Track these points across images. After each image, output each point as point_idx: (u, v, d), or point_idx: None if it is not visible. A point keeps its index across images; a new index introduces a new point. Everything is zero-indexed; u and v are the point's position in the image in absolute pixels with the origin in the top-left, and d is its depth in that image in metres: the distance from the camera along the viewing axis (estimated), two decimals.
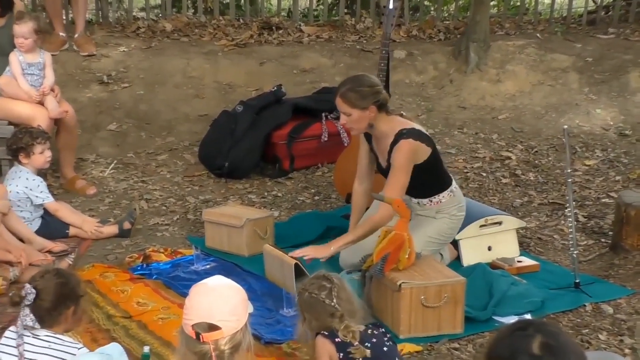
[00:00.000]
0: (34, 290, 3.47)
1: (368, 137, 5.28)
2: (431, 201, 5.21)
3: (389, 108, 5.13)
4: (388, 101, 5.13)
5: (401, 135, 5.00)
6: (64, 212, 5.90)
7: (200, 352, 2.83)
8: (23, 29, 6.30)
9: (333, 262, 5.12)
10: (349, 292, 3.76)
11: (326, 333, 3.64)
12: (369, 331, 3.65)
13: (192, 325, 2.83)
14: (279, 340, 4.41)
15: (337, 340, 3.60)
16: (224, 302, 2.87)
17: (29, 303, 3.47)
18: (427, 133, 5.22)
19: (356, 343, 3.58)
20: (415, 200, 5.21)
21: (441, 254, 5.34)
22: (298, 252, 4.99)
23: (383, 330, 3.73)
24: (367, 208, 5.41)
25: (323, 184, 6.82)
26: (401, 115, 5.43)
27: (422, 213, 5.21)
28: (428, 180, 5.14)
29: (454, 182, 5.32)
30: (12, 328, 3.58)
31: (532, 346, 2.29)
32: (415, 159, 5.01)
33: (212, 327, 2.82)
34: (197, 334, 2.82)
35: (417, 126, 5.18)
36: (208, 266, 5.40)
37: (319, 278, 3.77)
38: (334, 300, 3.66)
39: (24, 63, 6.37)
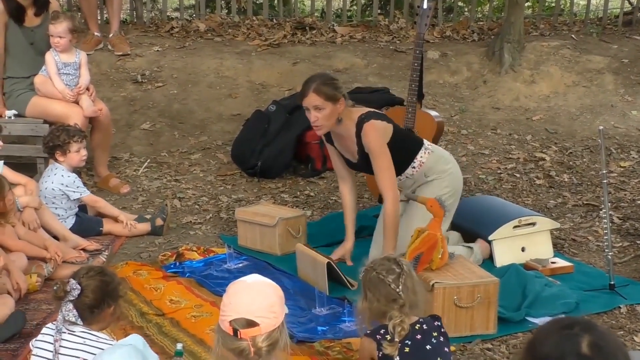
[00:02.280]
0: (79, 287, 3.48)
1: (329, 140, 5.33)
2: (414, 167, 5.26)
3: (348, 102, 5.16)
4: (347, 98, 5.17)
5: (362, 121, 5.07)
6: (102, 203, 5.96)
7: (238, 349, 2.81)
8: (58, 29, 6.34)
9: (358, 260, 5.12)
10: (416, 282, 3.70)
11: (368, 332, 3.61)
12: (417, 326, 3.58)
13: (230, 322, 2.82)
14: (312, 338, 4.40)
15: (378, 337, 3.55)
16: (262, 299, 2.86)
17: (72, 299, 3.49)
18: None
19: (395, 338, 3.50)
20: (402, 177, 5.29)
21: (471, 248, 5.35)
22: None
23: (438, 323, 3.66)
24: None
25: (356, 183, 6.79)
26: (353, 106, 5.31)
27: (415, 185, 5.30)
28: (401, 151, 5.19)
29: (425, 142, 5.36)
30: (50, 325, 3.60)
31: (581, 346, 2.24)
32: (385, 137, 5.08)
33: (250, 323, 2.81)
34: (235, 331, 2.80)
35: (370, 109, 5.23)
36: (240, 265, 5.41)
37: (390, 261, 3.70)
38: (400, 287, 3.58)
39: (60, 63, 6.41)
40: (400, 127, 5.37)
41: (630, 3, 10.54)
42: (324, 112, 5.04)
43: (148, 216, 6.01)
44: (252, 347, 2.79)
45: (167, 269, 5.32)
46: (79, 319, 3.50)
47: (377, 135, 5.04)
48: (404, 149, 5.22)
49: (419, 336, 3.56)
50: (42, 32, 6.55)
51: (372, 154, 5.05)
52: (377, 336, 3.55)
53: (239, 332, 2.79)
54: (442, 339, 3.62)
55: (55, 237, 5.55)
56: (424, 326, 3.60)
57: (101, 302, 3.54)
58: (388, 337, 3.53)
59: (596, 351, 2.24)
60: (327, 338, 4.41)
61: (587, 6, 10.18)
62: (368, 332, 3.62)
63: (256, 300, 2.85)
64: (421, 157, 5.26)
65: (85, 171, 6.78)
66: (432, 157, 5.27)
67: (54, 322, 3.57)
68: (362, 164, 5.21)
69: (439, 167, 5.27)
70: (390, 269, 3.64)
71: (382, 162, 5.05)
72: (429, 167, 5.26)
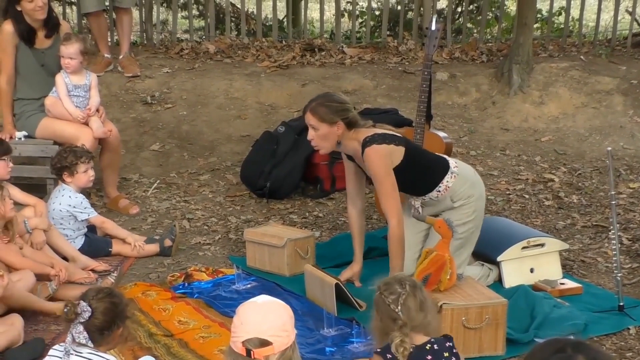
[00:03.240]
0: (90, 309, 3.48)
1: (349, 157, 5.29)
2: (439, 191, 5.17)
3: (359, 124, 5.11)
4: (358, 120, 5.11)
5: (364, 145, 5.00)
6: (110, 224, 5.97)
7: None
8: (69, 50, 6.38)
9: (367, 281, 5.13)
10: (423, 302, 3.62)
11: (379, 350, 3.57)
12: (428, 346, 3.54)
13: (243, 342, 2.82)
14: (320, 359, 4.40)
15: (388, 356, 3.52)
16: (273, 318, 2.86)
17: (83, 320, 3.49)
18: (396, 133, 5.15)
19: (400, 359, 3.47)
20: (426, 198, 5.21)
21: (490, 268, 5.35)
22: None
23: (450, 344, 3.60)
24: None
25: (365, 206, 6.79)
26: (373, 126, 5.21)
27: (441, 207, 5.21)
28: (421, 174, 5.14)
29: (451, 162, 5.25)
30: (57, 346, 3.60)
31: None
32: (391, 160, 4.99)
33: (264, 343, 2.82)
34: (248, 351, 2.81)
35: (385, 130, 5.12)
36: (249, 285, 5.41)
37: (396, 281, 3.67)
38: (399, 307, 3.54)
39: (70, 85, 6.45)
40: (422, 149, 5.31)
41: (639, 24, 10.55)
42: (319, 133, 5.06)
43: (157, 237, 6.02)
44: None
45: (175, 289, 5.32)
46: (90, 341, 3.50)
47: (378, 160, 4.95)
48: (425, 171, 5.14)
49: (429, 357, 3.53)
50: (53, 54, 6.59)
51: (374, 178, 5.02)
52: (388, 355, 3.53)
53: (252, 353, 2.80)
54: (453, 359, 3.60)
55: (65, 258, 5.56)
56: (435, 346, 3.57)
57: (111, 324, 3.54)
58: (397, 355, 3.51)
59: None
60: (335, 359, 4.40)
61: (596, 28, 10.19)
62: (378, 350, 3.60)
63: (268, 319, 2.86)
64: (447, 181, 5.15)
65: (94, 192, 6.80)
66: (458, 181, 5.17)
67: (61, 344, 3.57)
68: None
69: (466, 192, 5.18)
70: (393, 289, 3.62)
71: (385, 187, 4.98)
72: (455, 191, 5.17)
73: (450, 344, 3.62)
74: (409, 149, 5.08)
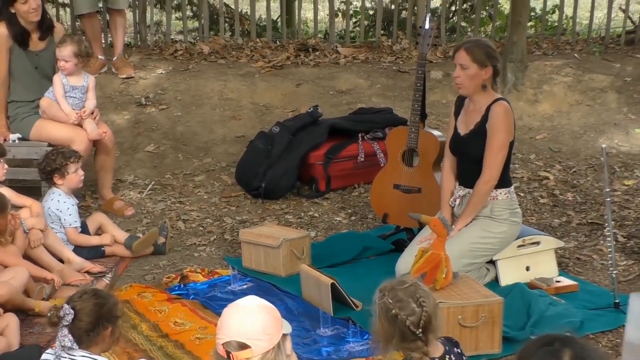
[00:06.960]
0: (72, 311, 3.47)
1: (457, 110, 5.35)
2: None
3: (496, 83, 5.25)
4: (500, 74, 5.24)
5: (499, 99, 5.14)
6: (82, 239, 5.88)
7: None
8: (63, 52, 6.37)
9: (362, 281, 5.14)
10: (436, 311, 3.38)
11: None
12: (447, 357, 3.36)
13: (223, 344, 2.84)
14: None
15: None
16: (254, 321, 2.85)
17: (67, 324, 3.48)
18: None
19: None
20: (467, 195, 5.26)
21: (488, 269, 5.34)
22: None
23: (459, 350, 3.46)
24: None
25: (359, 204, 6.81)
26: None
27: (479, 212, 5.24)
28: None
29: (512, 187, 5.37)
30: (49, 350, 3.59)
31: None
32: (510, 129, 5.12)
33: (242, 346, 2.82)
34: (228, 353, 2.82)
35: None
36: (245, 286, 5.41)
37: (410, 296, 3.33)
38: (419, 330, 3.28)
39: (67, 85, 6.43)
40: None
41: (632, 22, 10.56)
42: (467, 72, 5.11)
43: (141, 235, 5.98)
44: None
45: (171, 291, 5.32)
46: (75, 344, 3.49)
47: (505, 117, 5.09)
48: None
49: None
50: (47, 56, 6.58)
51: (494, 130, 5.09)
52: None
53: (231, 355, 2.80)
54: None
55: (60, 260, 5.56)
56: (452, 357, 3.41)
57: (97, 325, 3.52)
58: None
59: None
60: (331, 359, 4.40)
61: (590, 25, 10.19)
62: None
63: (248, 322, 2.84)
64: (500, 193, 5.23)
65: (89, 194, 6.79)
66: (507, 201, 5.24)
67: (53, 348, 3.56)
68: (467, 139, 5.23)
69: (505, 214, 5.24)
70: (410, 309, 3.30)
71: (497, 143, 5.08)
72: (499, 207, 5.22)
73: (459, 350, 3.49)
74: (512, 143, 5.22)
